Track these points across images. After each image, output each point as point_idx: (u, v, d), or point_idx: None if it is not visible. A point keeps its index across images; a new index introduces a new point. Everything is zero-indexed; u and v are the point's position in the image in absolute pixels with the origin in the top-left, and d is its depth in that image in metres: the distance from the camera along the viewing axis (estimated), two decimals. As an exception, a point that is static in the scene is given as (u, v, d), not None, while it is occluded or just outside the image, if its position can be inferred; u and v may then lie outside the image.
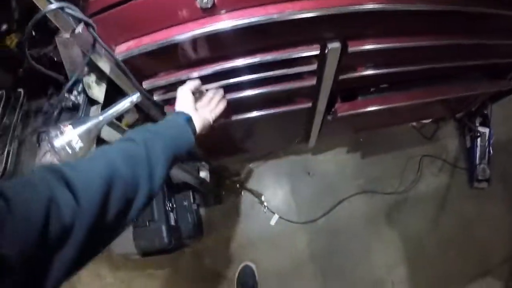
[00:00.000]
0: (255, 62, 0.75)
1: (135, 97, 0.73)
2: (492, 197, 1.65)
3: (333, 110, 1.07)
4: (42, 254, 0.37)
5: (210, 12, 0.65)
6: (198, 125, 0.72)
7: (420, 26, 0.81)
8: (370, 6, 0.66)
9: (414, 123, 1.75)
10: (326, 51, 0.77)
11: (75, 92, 0.73)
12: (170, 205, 1.33)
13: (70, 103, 0.73)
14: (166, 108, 0.92)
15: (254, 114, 1.02)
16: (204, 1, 0.62)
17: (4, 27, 0.70)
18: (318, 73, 0.86)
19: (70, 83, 0.70)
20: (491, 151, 1.63)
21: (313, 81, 0.88)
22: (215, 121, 0.79)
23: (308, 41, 0.75)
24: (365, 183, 1.70)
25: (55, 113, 0.73)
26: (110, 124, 0.76)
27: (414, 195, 1.68)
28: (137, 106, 0.90)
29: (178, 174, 1.14)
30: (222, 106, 0.82)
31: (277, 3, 0.65)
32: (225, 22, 0.65)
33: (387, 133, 1.75)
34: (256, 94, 0.88)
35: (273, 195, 1.72)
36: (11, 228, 0.34)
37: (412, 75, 1.06)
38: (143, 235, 1.26)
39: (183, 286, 1.63)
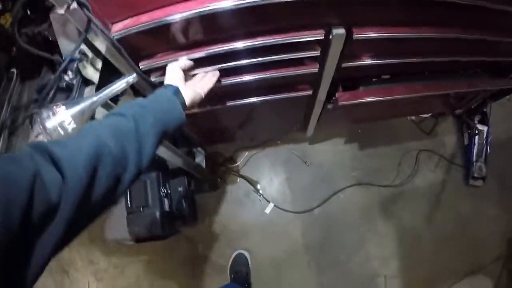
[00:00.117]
0: (256, 44, 0.73)
1: (131, 78, 0.71)
2: (487, 195, 1.66)
3: (334, 98, 1.06)
4: (26, 232, 0.36)
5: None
6: (188, 97, 0.70)
7: (425, 18, 0.79)
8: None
9: (413, 117, 1.75)
10: (330, 37, 0.75)
11: (69, 72, 0.71)
12: (165, 191, 1.32)
13: (64, 84, 0.71)
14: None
15: (253, 99, 1.00)
16: (205, -22, 0.60)
17: (-1, 6, 0.68)
18: (321, 60, 0.84)
19: (65, 63, 0.67)
20: (489, 150, 1.63)
21: (315, 68, 0.86)
22: (206, 95, 0.76)
23: (312, 25, 0.73)
24: (361, 174, 1.70)
25: (50, 94, 0.71)
26: (105, 105, 0.74)
27: (410, 189, 1.68)
28: (133, 88, 0.88)
29: (173, 159, 1.11)
30: (214, 78, 0.79)
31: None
32: (226, 1, 0.63)
33: (385, 125, 1.75)
34: (256, 79, 0.86)
35: (269, 184, 1.71)
36: None
37: (415, 67, 1.06)
38: (137, 221, 1.25)
39: (176, 272, 1.64)
